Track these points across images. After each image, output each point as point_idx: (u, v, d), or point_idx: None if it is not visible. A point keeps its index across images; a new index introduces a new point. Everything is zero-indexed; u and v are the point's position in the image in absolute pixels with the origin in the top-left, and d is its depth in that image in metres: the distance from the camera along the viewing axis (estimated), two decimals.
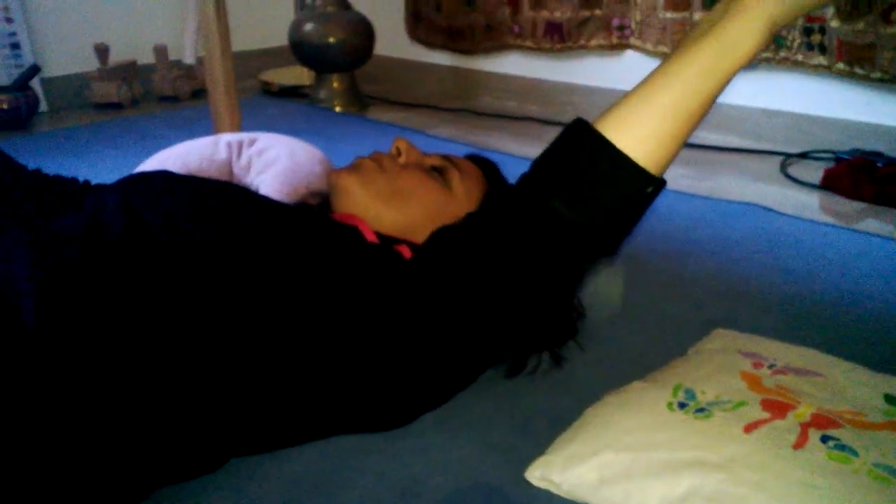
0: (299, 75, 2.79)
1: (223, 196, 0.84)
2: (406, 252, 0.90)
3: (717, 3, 0.69)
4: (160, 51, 2.65)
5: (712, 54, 0.64)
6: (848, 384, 0.81)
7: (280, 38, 2.95)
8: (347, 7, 2.52)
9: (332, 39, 2.46)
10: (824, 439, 0.70)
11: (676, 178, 1.78)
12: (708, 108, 0.67)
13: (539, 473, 0.76)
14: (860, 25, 1.80)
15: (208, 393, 0.70)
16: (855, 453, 0.68)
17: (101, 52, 2.56)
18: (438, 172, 1.01)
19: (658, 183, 0.71)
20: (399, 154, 1.01)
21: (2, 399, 0.61)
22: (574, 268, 0.75)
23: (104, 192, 0.82)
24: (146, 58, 2.68)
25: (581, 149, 0.69)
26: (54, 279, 0.67)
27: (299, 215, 0.83)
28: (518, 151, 2.00)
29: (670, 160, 0.70)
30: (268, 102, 2.65)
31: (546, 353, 0.99)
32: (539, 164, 0.73)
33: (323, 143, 1.77)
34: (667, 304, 1.19)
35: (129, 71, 2.61)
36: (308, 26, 2.48)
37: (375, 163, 0.98)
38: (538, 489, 0.77)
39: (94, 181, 1.06)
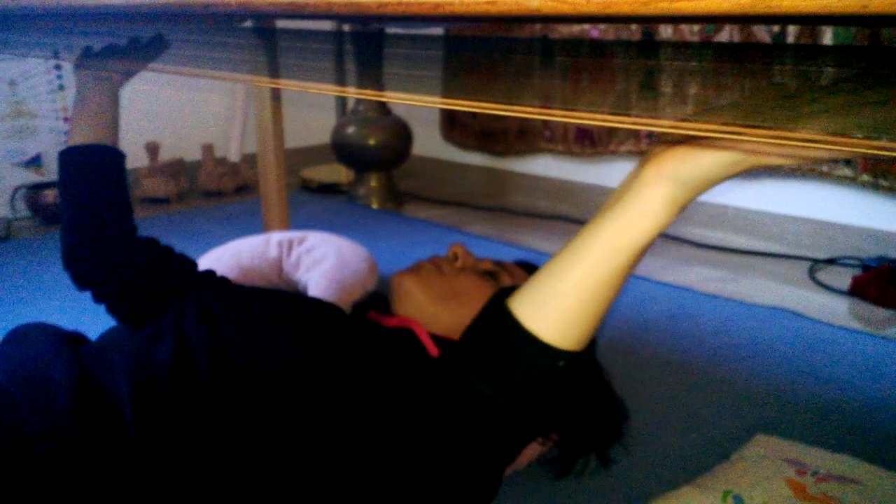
0: (338, 173, 2.91)
1: (288, 311, 0.92)
2: None
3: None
4: (207, 149, 2.79)
5: (614, 232, 0.61)
6: (888, 491, 0.84)
7: (317, 137, 3.10)
8: (387, 112, 2.66)
9: (372, 141, 2.59)
10: None
11: (705, 281, 1.84)
12: (622, 279, 0.63)
13: None
14: (884, 141, 1.88)
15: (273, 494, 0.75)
16: None
17: (152, 149, 2.70)
18: (491, 276, 1.07)
19: (569, 357, 0.66)
20: (456, 258, 1.08)
21: (106, 477, 0.69)
22: (505, 444, 0.73)
23: (187, 310, 0.90)
24: (193, 155, 2.82)
25: (492, 327, 0.69)
26: (145, 402, 0.76)
27: (357, 331, 0.90)
28: (550, 249, 2.07)
29: (589, 331, 0.66)
30: (307, 199, 2.76)
31: (593, 455, 1.03)
32: (462, 338, 0.73)
33: (362, 238, 1.86)
34: (706, 407, 1.23)
35: (177, 168, 2.74)
36: (350, 129, 2.61)
37: (434, 266, 1.05)
38: None
39: None
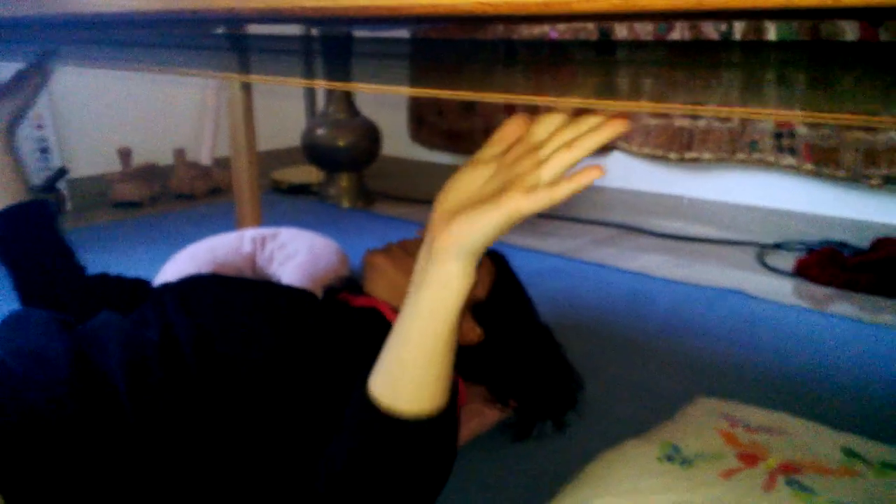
0: (308, 174, 2.98)
1: (263, 301, 1.00)
2: None
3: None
4: (179, 153, 2.84)
5: (428, 305, 0.66)
6: (811, 440, 0.94)
7: (287, 140, 3.16)
8: (356, 113, 2.73)
9: (341, 142, 2.67)
10: (789, 482, 0.82)
11: (660, 267, 1.94)
12: (452, 337, 0.68)
13: None
14: (825, 130, 2.01)
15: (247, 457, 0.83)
16: (814, 492, 0.80)
17: (124, 155, 2.75)
18: None
19: (428, 422, 0.70)
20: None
21: (103, 446, 0.76)
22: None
23: (167, 299, 0.97)
24: (165, 159, 2.87)
25: (357, 416, 0.72)
26: (138, 377, 0.83)
27: (328, 315, 0.98)
28: (515, 242, 2.16)
29: (440, 388, 0.70)
30: (279, 199, 2.83)
31: (549, 421, 1.12)
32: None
33: (333, 236, 1.93)
34: (656, 378, 1.32)
35: (150, 172, 2.79)
36: (320, 131, 2.69)
37: (402, 247, 1.14)
38: None
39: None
